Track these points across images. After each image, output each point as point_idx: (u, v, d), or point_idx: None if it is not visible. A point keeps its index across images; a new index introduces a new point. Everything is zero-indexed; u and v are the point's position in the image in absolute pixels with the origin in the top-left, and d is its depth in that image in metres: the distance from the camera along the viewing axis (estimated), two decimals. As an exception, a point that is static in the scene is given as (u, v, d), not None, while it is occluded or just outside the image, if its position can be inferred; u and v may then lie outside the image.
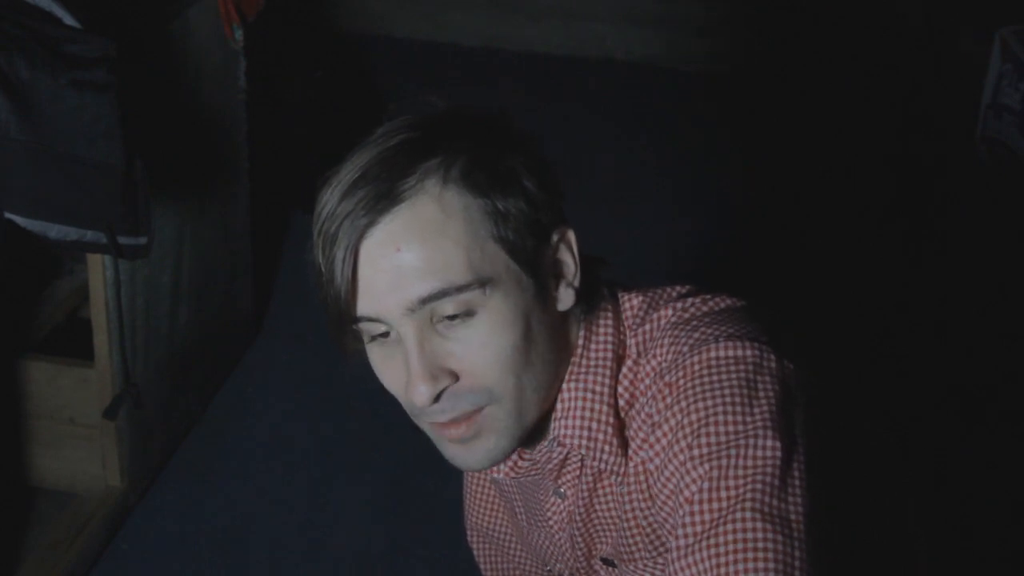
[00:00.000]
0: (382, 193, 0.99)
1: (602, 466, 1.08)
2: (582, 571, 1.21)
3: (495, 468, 1.15)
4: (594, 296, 1.10)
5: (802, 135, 3.54)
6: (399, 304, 0.99)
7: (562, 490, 1.14)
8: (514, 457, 1.14)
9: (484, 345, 1.00)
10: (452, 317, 1.00)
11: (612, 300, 1.11)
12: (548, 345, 1.05)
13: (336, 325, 1.03)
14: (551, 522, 1.18)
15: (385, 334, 1.02)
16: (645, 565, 1.12)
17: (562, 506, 1.15)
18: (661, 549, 1.09)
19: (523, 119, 1.09)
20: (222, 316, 2.46)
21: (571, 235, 1.06)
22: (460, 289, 0.99)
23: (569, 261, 1.06)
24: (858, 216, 3.18)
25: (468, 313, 1.00)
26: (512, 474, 1.15)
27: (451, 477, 2.39)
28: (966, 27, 2.86)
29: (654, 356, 1.06)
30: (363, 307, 1.01)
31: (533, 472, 1.14)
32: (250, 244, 2.56)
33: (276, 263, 2.98)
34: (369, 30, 4.20)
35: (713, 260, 3.06)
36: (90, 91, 1.62)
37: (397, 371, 1.03)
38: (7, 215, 1.64)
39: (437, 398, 1.01)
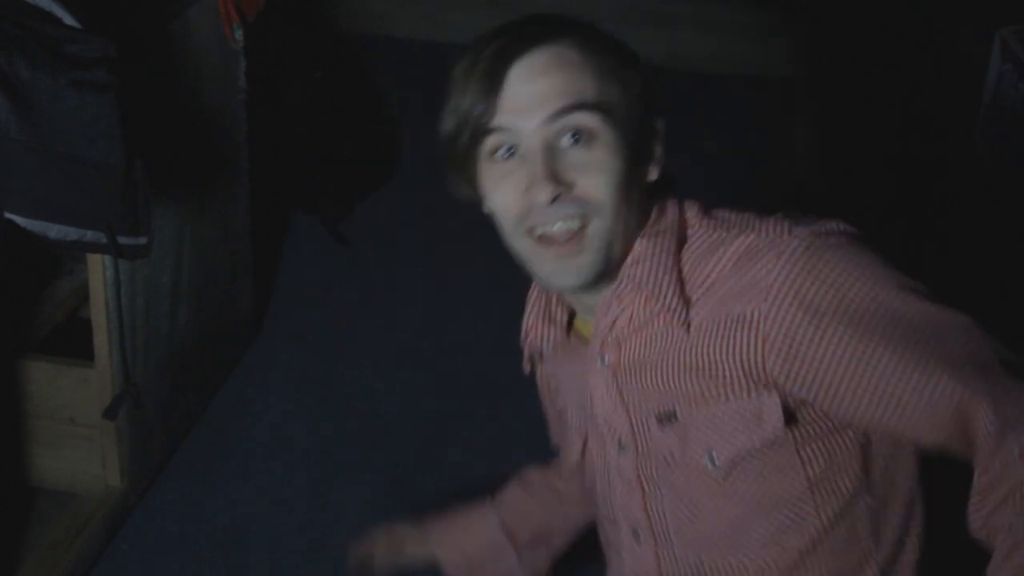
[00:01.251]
0: (532, 33, 1.17)
1: (665, 306, 1.18)
2: (634, 443, 1.25)
3: (546, 338, 1.30)
4: (665, 194, 1.26)
5: (802, 135, 3.54)
6: (536, 116, 1.14)
7: (605, 356, 1.23)
8: (560, 336, 1.30)
9: (600, 164, 1.16)
10: (575, 139, 1.15)
11: (676, 203, 1.26)
12: (639, 196, 1.21)
13: (464, 150, 1.18)
14: (596, 397, 1.26)
15: (510, 153, 1.16)
16: (721, 410, 1.17)
17: (606, 372, 1.24)
18: (736, 388, 1.16)
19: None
20: (222, 316, 2.47)
21: (663, 129, 1.24)
22: (590, 107, 1.14)
23: (659, 149, 1.24)
24: (858, 216, 3.17)
25: (590, 137, 1.15)
26: (560, 348, 1.30)
27: (451, 477, 2.40)
28: (966, 27, 2.86)
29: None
30: (501, 120, 1.15)
31: (578, 345, 1.28)
32: (250, 244, 2.56)
33: (276, 263, 2.98)
34: (369, 30, 4.20)
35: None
36: (90, 91, 1.61)
37: (516, 184, 1.16)
38: (7, 215, 1.64)
39: (553, 201, 1.14)
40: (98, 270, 1.96)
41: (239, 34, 2.29)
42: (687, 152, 3.69)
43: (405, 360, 2.62)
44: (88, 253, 1.92)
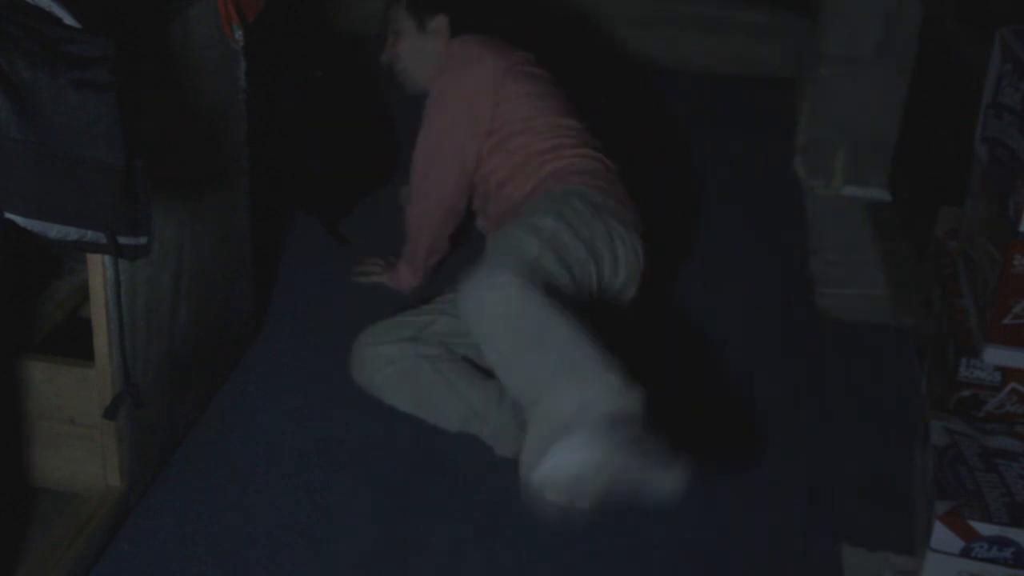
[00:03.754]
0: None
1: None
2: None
3: None
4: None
5: (802, 135, 3.54)
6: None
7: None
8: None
9: (400, 41, 2.82)
10: (395, 34, 2.81)
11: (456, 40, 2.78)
12: (427, 44, 2.77)
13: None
14: None
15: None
16: None
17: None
18: None
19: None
20: (222, 316, 2.47)
21: (443, 18, 2.77)
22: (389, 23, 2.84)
23: (432, 24, 2.76)
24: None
25: (397, 32, 2.80)
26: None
27: (452, 477, 2.39)
28: (966, 27, 2.86)
29: None
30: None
31: None
32: (250, 244, 2.56)
33: (276, 263, 2.98)
34: (369, 30, 4.20)
35: (714, 260, 3.07)
36: (90, 91, 1.61)
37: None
38: (7, 215, 1.64)
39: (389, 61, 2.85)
40: (98, 270, 1.96)
41: (239, 34, 2.29)
42: (686, 152, 3.70)
43: (405, 360, 2.62)
44: (88, 253, 1.92)
